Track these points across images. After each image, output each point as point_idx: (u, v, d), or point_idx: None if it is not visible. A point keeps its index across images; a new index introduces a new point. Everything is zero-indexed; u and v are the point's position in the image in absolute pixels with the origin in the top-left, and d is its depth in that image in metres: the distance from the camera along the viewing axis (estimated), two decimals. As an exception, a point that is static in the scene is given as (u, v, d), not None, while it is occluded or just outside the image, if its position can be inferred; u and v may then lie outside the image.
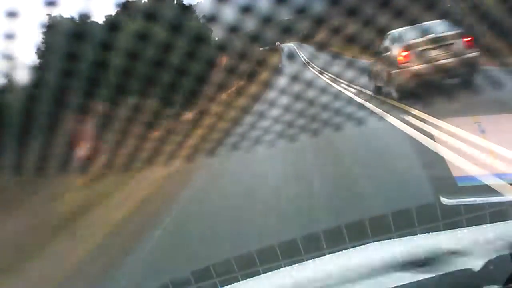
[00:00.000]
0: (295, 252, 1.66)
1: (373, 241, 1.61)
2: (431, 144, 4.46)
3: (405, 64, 6.04)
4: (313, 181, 4.80)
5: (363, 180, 4.50)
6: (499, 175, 1.39)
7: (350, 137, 5.55)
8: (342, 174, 4.90)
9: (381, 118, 5.85)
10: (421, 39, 6.09)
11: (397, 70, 6.13)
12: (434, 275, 1.24)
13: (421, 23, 6.28)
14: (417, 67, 5.94)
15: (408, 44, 6.16)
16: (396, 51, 6.28)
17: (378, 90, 7.37)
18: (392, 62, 6.31)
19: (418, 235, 1.62)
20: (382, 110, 6.06)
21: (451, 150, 2.75)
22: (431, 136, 4.66)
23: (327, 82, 11.18)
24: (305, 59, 14.43)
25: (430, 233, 1.61)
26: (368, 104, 6.92)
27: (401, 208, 1.78)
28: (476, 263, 1.22)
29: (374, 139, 5.41)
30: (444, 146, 3.62)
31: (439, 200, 1.44)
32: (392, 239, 1.63)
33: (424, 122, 5.07)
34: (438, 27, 6.23)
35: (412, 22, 6.17)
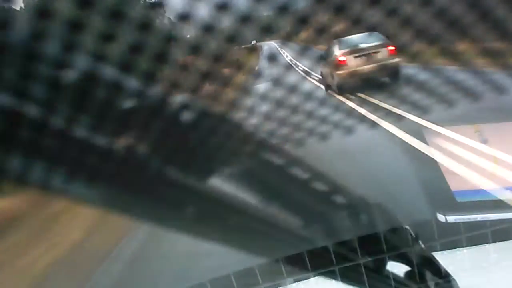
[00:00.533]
0: (277, 275, 1.53)
1: (362, 263, 1.48)
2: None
3: (343, 67, 7.82)
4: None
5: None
6: (503, 189, 1.28)
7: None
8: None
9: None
10: (354, 48, 7.85)
11: (337, 72, 7.94)
12: None
13: (358, 33, 7.94)
14: (351, 70, 7.71)
15: (345, 52, 7.95)
16: (336, 57, 8.07)
17: (328, 88, 8.87)
18: (334, 66, 8.08)
19: None
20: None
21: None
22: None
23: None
24: (291, 60, 13.27)
25: None
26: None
27: (394, 225, 1.66)
28: (477, 286, 1.11)
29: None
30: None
31: (435, 217, 1.34)
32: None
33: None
34: (371, 38, 7.63)
35: (352, 33, 7.86)
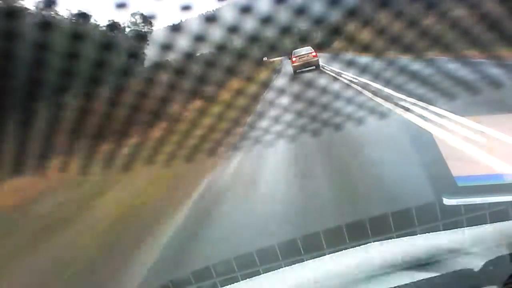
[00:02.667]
0: (295, 252, 1.66)
1: (373, 241, 1.60)
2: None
3: (294, 62, 15.09)
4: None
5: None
6: (500, 175, 1.38)
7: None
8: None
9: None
10: (299, 54, 15.12)
11: (292, 65, 15.14)
12: (434, 275, 1.24)
13: (301, 47, 15.29)
14: (298, 63, 14.99)
15: (295, 56, 15.17)
16: (291, 58, 15.36)
17: (293, 71, 15.67)
18: (291, 62, 15.34)
19: (418, 235, 1.62)
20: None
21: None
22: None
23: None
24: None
25: (430, 233, 1.60)
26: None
27: (401, 208, 1.77)
28: (476, 263, 1.22)
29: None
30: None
31: (439, 200, 1.44)
32: (392, 239, 1.62)
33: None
34: (306, 49, 15.22)
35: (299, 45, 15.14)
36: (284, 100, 5.99)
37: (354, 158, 5.50)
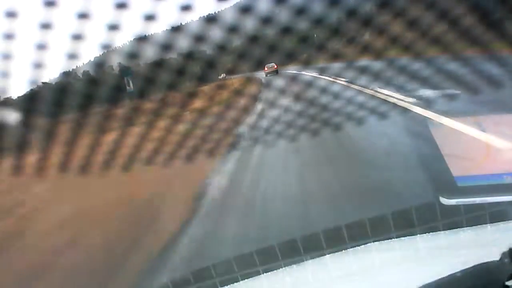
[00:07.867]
0: (295, 252, 1.66)
1: (373, 241, 1.61)
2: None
3: (265, 70, 22.29)
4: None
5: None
6: (499, 175, 1.38)
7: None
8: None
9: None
10: (268, 66, 22.16)
11: (265, 71, 22.40)
12: (434, 275, 1.24)
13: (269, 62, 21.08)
14: (268, 71, 22.22)
15: (266, 68, 22.25)
16: (264, 68, 22.23)
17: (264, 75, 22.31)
18: (264, 70, 22.39)
19: (418, 235, 1.62)
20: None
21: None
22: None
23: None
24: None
25: (430, 233, 1.61)
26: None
27: (401, 208, 1.77)
28: (475, 263, 1.21)
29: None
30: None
31: (438, 200, 1.44)
32: (392, 239, 1.63)
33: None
34: (272, 64, 21.68)
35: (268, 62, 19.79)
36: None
37: (352, 157, 5.49)
